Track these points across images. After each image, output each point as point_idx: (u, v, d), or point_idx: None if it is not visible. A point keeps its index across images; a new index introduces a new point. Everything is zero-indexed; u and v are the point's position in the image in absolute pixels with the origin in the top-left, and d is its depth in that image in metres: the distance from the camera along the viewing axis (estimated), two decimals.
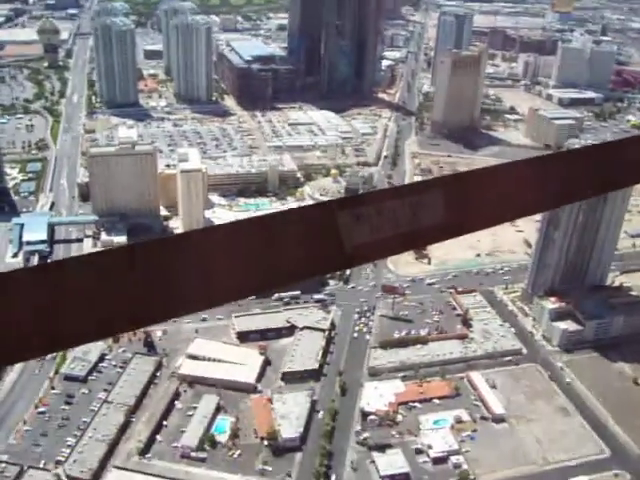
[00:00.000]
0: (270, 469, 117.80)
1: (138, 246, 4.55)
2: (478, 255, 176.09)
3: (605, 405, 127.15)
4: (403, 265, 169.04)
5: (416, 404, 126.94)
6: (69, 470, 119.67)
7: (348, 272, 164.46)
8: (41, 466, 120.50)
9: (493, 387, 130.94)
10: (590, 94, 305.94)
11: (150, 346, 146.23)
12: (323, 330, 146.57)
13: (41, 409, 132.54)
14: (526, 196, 5.81)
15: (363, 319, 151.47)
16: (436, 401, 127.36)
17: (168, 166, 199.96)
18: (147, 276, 4.53)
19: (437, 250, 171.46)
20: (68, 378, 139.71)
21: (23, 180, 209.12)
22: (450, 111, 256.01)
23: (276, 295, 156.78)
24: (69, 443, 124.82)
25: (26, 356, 4.41)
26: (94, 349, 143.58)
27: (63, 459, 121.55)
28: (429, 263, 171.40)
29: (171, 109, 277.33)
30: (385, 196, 5.33)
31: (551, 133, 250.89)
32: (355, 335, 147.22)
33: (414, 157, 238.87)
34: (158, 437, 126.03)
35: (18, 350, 4.29)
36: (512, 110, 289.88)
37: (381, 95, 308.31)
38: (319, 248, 5.10)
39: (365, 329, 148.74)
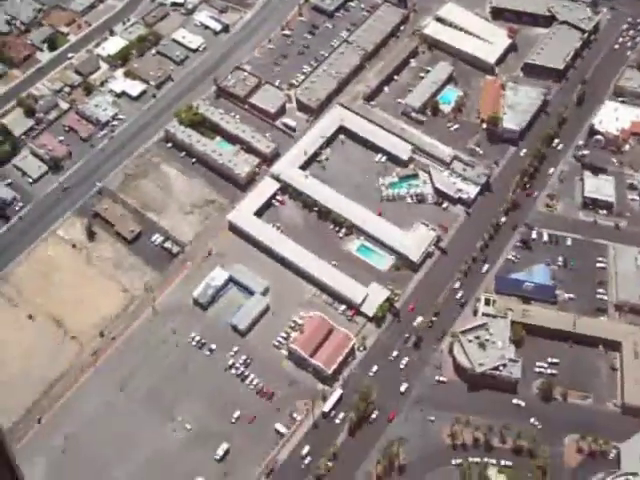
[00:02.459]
0: (481, 152, 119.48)
1: None
2: None
3: None
4: None
5: None
6: (299, 95, 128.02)
7: None
8: (276, 84, 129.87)
9: None
10: None
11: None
12: (583, 31, 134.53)
13: (286, 32, 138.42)
14: None
15: (632, 32, 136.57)
16: None
17: None
18: None
19: None
20: (316, 9, 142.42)
21: None
22: None
23: None
24: (304, 70, 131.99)
25: None
26: None
27: (296, 83, 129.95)
28: None
29: None
30: None
31: None
32: (616, 47, 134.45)
33: None
34: (385, 89, 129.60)
35: None
36: None
37: None
38: None
39: (630, 43, 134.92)
